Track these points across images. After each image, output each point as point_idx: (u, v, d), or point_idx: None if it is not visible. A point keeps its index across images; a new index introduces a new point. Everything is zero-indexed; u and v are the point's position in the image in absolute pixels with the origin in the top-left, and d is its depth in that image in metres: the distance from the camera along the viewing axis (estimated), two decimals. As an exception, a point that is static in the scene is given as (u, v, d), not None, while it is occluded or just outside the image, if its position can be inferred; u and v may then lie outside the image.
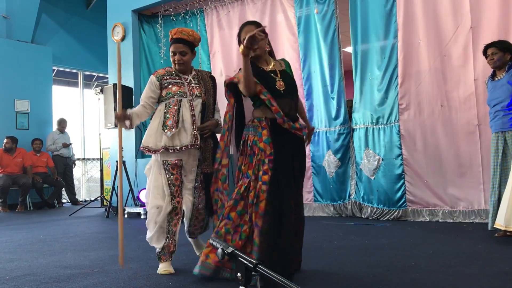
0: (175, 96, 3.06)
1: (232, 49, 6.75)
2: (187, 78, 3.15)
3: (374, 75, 5.47)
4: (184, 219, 3.26)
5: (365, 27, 5.56)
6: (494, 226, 3.80)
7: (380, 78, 5.39)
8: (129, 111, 3.13)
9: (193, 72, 3.21)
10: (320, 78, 5.89)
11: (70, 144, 9.18)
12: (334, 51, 5.77)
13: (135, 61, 7.41)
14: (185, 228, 3.31)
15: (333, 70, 5.77)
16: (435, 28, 5.06)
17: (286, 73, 2.87)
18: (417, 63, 5.18)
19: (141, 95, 8.18)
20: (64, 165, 9.05)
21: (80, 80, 10.78)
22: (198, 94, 3.10)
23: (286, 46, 6.18)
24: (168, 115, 3.04)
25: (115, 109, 6.71)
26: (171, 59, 3.18)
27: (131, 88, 7.21)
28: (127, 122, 3.10)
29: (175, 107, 3.04)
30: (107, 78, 8.29)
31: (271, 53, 2.95)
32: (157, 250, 3.08)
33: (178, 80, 3.13)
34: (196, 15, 7.14)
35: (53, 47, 9.65)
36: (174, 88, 3.09)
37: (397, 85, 5.25)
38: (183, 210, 3.17)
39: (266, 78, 2.76)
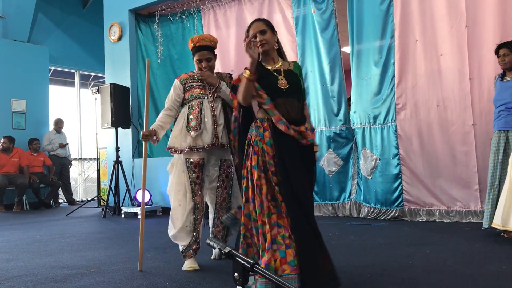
0: (198, 98, 3.20)
1: (229, 48, 6.75)
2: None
3: (371, 74, 5.47)
4: (209, 219, 3.38)
5: (362, 27, 5.55)
6: (492, 225, 3.80)
7: (377, 78, 5.39)
8: (153, 126, 3.25)
9: (214, 75, 3.29)
10: (319, 78, 5.88)
11: (67, 144, 9.16)
12: (334, 50, 5.77)
13: (132, 61, 7.39)
14: (210, 230, 3.39)
15: (333, 69, 5.77)
16: (431, 27, 5.07)
17: (292, 73, 2.74)
18: (413, 62, 5.18)
19: (138, 95, 8.18)
20: (60, 165, 9.03)
21: (77, 79, 10.75)
22: (206, 97, 3.20)
23: (284, 46, 6.16)
24: (191, 116, 3.17)
25: (112, 109, 6.70)
26: (197, 66, 3.31)
27: (128, 88, 7.19)
28: (154, 138, 3.26)
29: (198, 109, 3.17)
30: (103, 77, 8.28)
31: (280, 53, 2.87)
32: (181, 248, 3.17)
33: (200, 83, 3.25)
34: (193, 14, 7.14)
35: (49, 46, 9.61)
36: (196, 91, 3.22)
37: (394, 85, 5.25)
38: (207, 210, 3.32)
39: (268, 78, 2.67)
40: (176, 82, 3.33)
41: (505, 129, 3.94)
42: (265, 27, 2.75)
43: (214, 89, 3.22)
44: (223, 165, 3.26)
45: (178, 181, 3.22)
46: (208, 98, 3.20)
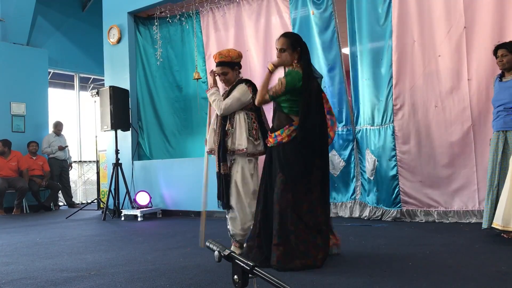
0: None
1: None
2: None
3: (369, 75, 5.48)
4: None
5: (361, 28, 5.56)
6: (492, 225, 3.79)
7: (376, 79, 5.39)
8: None
9: (230, 86, 3.64)
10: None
11: (66, 146, 9.16)
12: (334, 52, 5.77)
13: (131, 63, 7.40)
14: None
15: (333, 71, 5.78)
16: (429, 28, 5.07)
17: None
18: (411, 63, 5.17)
19: (137, 97, 8.19)
20: (60, 168, 9.03)
21: (76, 82, 10.76)
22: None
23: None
24: None
25: (111, 111, 6.70)
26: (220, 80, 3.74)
27: (127, 91, 7.20)
28: None
29: None
30: (103, 80, 8.28)
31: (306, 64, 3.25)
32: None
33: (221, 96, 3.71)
34: (192, 17, 7.14)
35: (49, 49, 9.62)
36: None
37: (392, 85, 5.25)
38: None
39: None
40: None
41: (504, 129, 3.93)
42: (285, 46, 3.20)
43: None
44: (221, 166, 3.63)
45: None
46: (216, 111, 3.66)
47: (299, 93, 3.13)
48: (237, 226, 3.53)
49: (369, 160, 5.41)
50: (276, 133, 3.19)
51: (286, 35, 3.26)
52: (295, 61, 3.21)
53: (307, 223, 3.10)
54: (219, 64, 3.64)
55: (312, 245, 3.07)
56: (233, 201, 3.52)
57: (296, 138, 3.13)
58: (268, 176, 3.27)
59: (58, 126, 9.10)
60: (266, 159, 3.35)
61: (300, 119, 3.13)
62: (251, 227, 3.39)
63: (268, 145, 3.32)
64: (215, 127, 3.62)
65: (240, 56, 3.68)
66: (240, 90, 3.52)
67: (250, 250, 3.24)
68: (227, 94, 3.62)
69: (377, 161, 5.32)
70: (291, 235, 3.06)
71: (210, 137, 3.67)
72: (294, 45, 3.18)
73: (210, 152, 3.68)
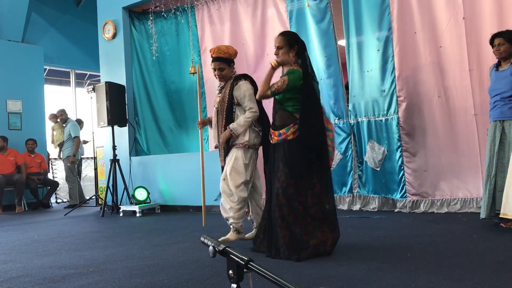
0: (214, 106, 3.87)
1: (223, 44, 6.72)
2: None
3: (370, 67, 5.46)
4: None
5: (359, 19, 5.53)
6: (500, 216, 3.73)
7: (378, 70, 5.37)
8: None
9: (224, 83, 3.79)
10: (315, 72, 5.85)
11: (87, 141, 9.33)
12: (330, 44, 5.75)
13: (126, 59, 7.36)
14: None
15: (330, 63, 5.76)
16: (429, 19, 5.05)
17: None
18: (413, 54, 5.16)
19: (133, 93, 8.15)
20: (78, 165, 9.09)
21: (72, 78, 10.72)
22: (215, 105, 3.82)
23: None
24: None
25: (107, 107, 6.68)
26: (213, 73, 3.84)
27: (123, 86, 7.17)
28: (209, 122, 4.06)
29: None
30: (99, 76, 8.25)
31: (305, 61, 3.31)
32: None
33: (218, 92, 3.84)
34: (187, 11, 7.10)
35: (44, 46, 9.58)
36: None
37: (395, 77, 5.23)
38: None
39: None
40: None
41: (500, 119, 3.92)
42: (282, 43, 3.29)
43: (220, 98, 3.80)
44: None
45: None
46: (215, 106, 3.82)
47: (300, 92, 3.22)
48: (227, 212, 3.72)
49: (377, 151, 5.39)
50: (281, 131, 3.25)
51: (283, 34, 3.37)
52: (292, 59, 3.29)
53: (315, 216, 3.21)
54: (217, 59, 3.71)
55: (321, 232, 3.18)
56: (220, 188, 3.74)
57: (300, 135, 3.23)
58: (272, 172, 3.36)
59: (81, 124, 9.24)
60: (270, 156, 3.45)
61: (301, 117, 3.21)
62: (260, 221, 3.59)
63: (271, 142, 3.37)
64: (215, 123, 3.82)
65: (236, 54, 3.82)
66: (248, 89, 3.65)
67: (260, 243, 3.42)
68: (220, 89, 3.81)
69: (387, 150, 5.31)
70: (297, 227, 3.15)
71: (214, 133, 3.91)
72: (290, 43, 3.26)
73: (216, 147, 3.87)
